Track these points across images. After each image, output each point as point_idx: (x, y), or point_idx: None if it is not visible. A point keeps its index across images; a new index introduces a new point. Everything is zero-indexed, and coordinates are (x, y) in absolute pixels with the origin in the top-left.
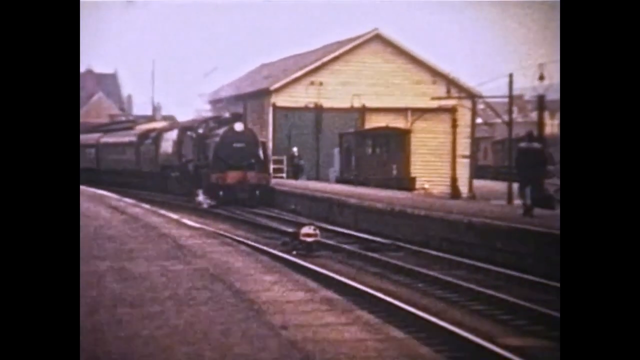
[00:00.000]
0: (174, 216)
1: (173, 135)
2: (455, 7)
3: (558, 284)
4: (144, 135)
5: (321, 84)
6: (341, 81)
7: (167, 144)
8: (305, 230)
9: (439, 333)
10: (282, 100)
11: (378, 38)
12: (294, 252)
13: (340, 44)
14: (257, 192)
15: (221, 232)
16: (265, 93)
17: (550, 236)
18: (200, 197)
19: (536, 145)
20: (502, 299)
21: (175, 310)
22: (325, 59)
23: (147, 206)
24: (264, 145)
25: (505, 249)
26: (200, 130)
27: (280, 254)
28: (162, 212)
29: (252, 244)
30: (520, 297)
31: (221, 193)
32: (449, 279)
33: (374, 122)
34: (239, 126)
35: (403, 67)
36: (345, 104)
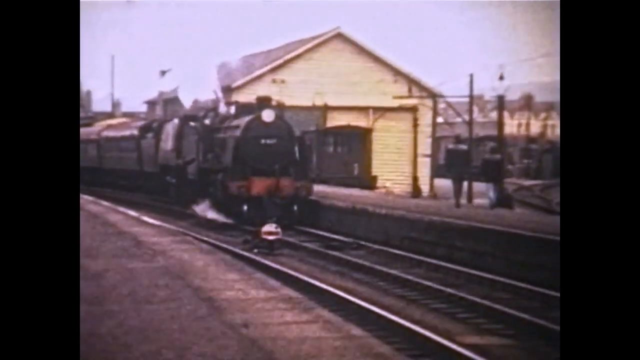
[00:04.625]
0: (133, 213)
1: (173, 126)
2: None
3: (516, 282)
4: (147, 127)
5: (283, 81)
6: (303, 79)
7: (167, 137)
8: (267, 228)
9: (399, 331)
10: (243, 97)
11: (339, 37)
12: (255, 251)
13: (302, 42)
14: (295, 207)
15: (181, 230)
16: (227, 90)
17: (508, 235)
18: (208, 212)
19: (462, 146)
20: (461, 297)
21: (134, 309)
22: (287, 57)
23: (106, 203)
24: (302, 140)
25: (464, 247)
26: (207, 121)
27: (241, 252)
28: (122, 209)
29: (213, 241)
30: (479, 296)
31: (245, 208)
32: (409, 277)
33: (335, 120)
34: (268, 115)
35: (364, 66)
36: (307, 102)
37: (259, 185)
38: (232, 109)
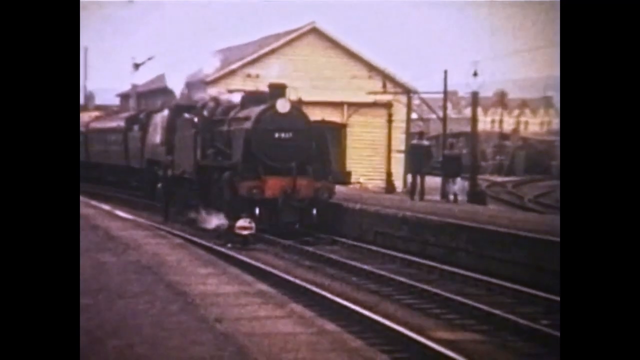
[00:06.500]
0: (106, 207)
1: (162, 118)
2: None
3: (488, 278)
4: (133, 118)
5: (258, 76)
6: (278, 74)
7: (155, 129)
8: (241, 223)
9: (372, 326)
10: (216, 92)
11: (314, 32)
12: (229, 245)
13: (277, 36)
14: (314, 211)
15: (154, 224)
16: (200, 84)
17: (481, 230)
18: (214, 219)
19: (425, 142)
20: (434, 293)
21: (107, 303)
22: (262, 52)
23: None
24: (322, 134)
25: (437, 243)
26: (206, 112)
27: (214, 246)
28: (94, 203)
29: (186, 236)
30: (452, 291)
31: (257, 211)
32: (383, 272)
33: (310, 115)
34: (283, 105)
35: (339, 61)
36: None
37: (273, 186)
38: (237, 98)
